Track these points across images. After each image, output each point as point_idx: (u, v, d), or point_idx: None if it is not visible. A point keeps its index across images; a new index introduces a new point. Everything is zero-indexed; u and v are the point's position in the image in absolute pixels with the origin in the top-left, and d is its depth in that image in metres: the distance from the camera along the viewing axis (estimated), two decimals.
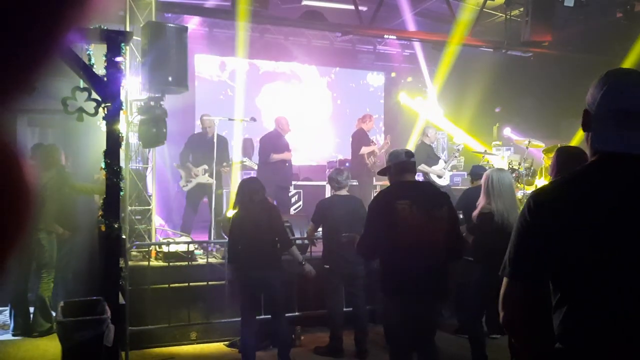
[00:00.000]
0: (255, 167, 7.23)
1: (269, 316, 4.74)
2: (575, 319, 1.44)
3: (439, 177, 7.99)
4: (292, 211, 8.10)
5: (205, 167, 6.92)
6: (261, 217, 4.46)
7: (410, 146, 9.76)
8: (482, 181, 4.51)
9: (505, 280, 1.53)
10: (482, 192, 4.46)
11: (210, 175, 6.82)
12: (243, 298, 4.57)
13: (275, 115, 8.23)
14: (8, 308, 5.65)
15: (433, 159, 8.10)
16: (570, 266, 1.43)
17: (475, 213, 4.53)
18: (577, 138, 8.64)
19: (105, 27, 3.99)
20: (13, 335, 5.46)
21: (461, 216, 5.04)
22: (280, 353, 4.57)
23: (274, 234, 4.54)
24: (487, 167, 6.05)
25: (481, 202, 4.44)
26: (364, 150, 7.90)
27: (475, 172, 5.74)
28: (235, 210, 4.66)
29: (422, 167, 7.90)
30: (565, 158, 3.39)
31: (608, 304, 1.40)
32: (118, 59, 3.98)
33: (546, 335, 1.48)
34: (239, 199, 4.58)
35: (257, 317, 4.70)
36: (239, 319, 4.60)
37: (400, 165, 3.57)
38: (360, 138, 8.02)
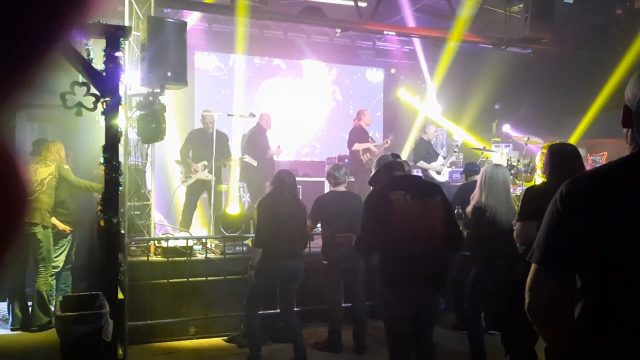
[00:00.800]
0: (255, 164, 7.22)
1: (268, 311, 4.74)
2: (599, 309, 1.43)
3: (438, 173, 7.99)
4: None
5: (205, 162, 6.91)
6: (296, 210, 4.65)
7: (410, 142, 9.77)
8: (479, 176, 4.56)
9: (533, 266, 1.52)
10: (477, 186, 4.51)
11: (210, 172, 6.82)
12: (266, 287, 4.65)
13: (276, 111, 8.23)
14: (6, 302, 5.66)
15: (432, 155, 8.10)
16: (595, 255, 1.42)
17: (469, 208, 4.58)
18: (577, 134, 8.66)
19: (104, 22, 3.99)
20: (12, 329, 5.47)
21: (459, 211, 5.06)
22: (297, 345, 4.61)
23: (303, 228, 4.76)
24: (484, 164, 6.08)
25: (475, 196, 4.49)
26: (357, 146, 7.90)
27: (469, 168, 5.85)
28: (267, 197, 4.69)
29: (421, 163, 7.90)
30: (558, 155, 3.41)
31: (631, 295, 1.38)
32: (117, 53, 3.97)
33: (570, 323, 1.47)
34: (279, 188, 4.64)
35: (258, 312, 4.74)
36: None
37: (389, 165, 3.65)
38: (355, 134, 8.03)
